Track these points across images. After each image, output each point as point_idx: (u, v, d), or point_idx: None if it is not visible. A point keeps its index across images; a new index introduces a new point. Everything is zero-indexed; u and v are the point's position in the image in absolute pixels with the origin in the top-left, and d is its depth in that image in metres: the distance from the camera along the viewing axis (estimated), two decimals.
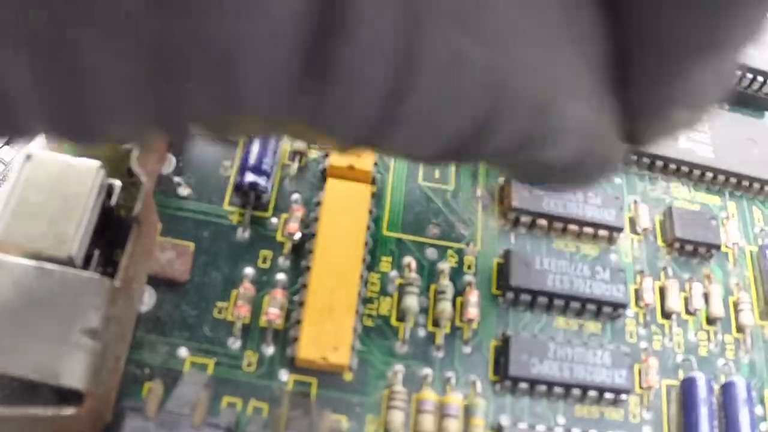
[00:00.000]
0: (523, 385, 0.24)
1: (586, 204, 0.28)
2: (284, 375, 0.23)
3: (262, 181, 0.25)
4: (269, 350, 0.23)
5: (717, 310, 0.27)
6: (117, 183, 0.22)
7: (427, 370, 0.24)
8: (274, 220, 0.26)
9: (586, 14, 0.15)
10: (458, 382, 0.24)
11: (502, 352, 0.25)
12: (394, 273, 0.26)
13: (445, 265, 0.26)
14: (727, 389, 0.26)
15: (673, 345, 0.27)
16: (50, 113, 0.12)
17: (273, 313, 0.23)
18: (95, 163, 0.21)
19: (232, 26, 0.11)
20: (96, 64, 0.11)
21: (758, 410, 0.26)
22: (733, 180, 0.31)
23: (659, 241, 0.29)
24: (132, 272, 0.20)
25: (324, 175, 0.26)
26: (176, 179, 0.25)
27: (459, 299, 0.26)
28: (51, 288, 0.19)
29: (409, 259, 0.26)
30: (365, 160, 0.26)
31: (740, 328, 0.28)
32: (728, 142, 0.31)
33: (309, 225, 0.25)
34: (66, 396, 0.18)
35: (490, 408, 0.24)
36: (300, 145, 0.27)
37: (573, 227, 0.28)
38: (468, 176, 0.28)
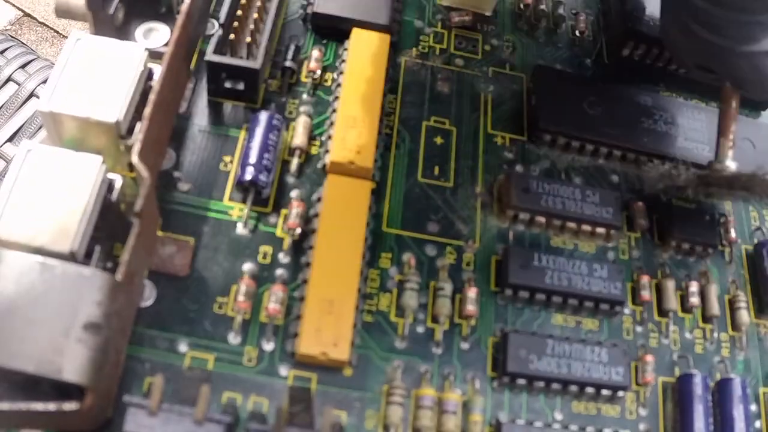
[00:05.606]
0: (521, 382, 0.25)
1: (584, 201, 0.28)
2: (284, 370, 0.23)
3: (262, 176, 0.25)
4: (269, 345, 0.23)
5: (713, 308, 0.28)
6: (118, 178, 0.22)
7: (426, 366, 0.24)
8: (274, 215, 0.26)
9: None
10: (457, 378, 0.24)
11: (501, 348, 0.25)
12: (393, 269, 0.26)
13: (444, 262, 0.26)
14: (722, 387, 0.26)
15: (669, 342, 0.27)
16: None
17: (273, 308, 0.23)
18: (96, 158, 0.21)
19: None
20: None
21: (753, 408, 0.26)
22: None
23: (656, 239, 0.29)
24: (133, 267, 0.20)
25: (324, 171, 0.26)
26: (176, 174, 0.25)
27: (458, 296, 0.26)
28: (52, 283, 0.19)
29: (408, 256, 0.26)
30: (365, 157, 0.26)
31: (736, 327, 0.28)
32: None
33: (309, 221, 0.25)
34: (67, 391, 0.18)
35: (488, 404, 0.24)
36: (300, 141, 0.27)
37: (571, 224, 0.28)
38: (467, 174, 0.28)
